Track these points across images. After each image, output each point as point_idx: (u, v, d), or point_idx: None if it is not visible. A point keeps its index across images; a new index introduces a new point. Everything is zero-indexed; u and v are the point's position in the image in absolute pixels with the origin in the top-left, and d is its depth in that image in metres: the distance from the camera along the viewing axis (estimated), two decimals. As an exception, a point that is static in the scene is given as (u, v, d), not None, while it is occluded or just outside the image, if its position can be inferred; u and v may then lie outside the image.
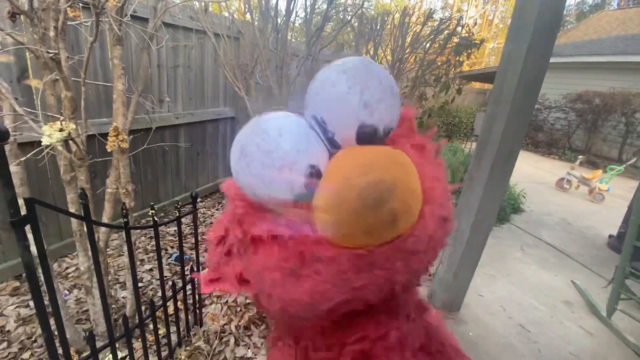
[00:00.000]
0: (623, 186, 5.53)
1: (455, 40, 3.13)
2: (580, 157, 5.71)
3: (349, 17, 2.91)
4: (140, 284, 2.04)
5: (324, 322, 0.36)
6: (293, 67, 2.33)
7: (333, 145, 0.35)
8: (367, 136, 0.34)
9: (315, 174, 0.32)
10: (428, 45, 2.89)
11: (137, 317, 1.38)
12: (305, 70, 2.23)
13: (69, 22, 1.08)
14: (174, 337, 1.62)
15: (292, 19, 2.25)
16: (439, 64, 3.23)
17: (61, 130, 1.01)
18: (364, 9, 2.98)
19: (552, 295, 2.47)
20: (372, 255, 0.29)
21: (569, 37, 10.40)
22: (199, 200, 2.65)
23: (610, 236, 3.49)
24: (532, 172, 6.44)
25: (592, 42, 9.36)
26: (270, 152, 0.31)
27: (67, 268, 2.16)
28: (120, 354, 1.43)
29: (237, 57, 3.14)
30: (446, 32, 2.91)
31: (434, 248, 0.35)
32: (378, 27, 2.88)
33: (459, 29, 3.03)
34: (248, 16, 2.24)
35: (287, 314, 0.33)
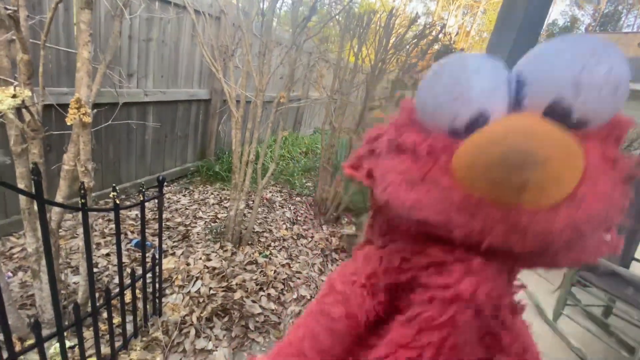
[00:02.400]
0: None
1: (436, 47, 3.20)
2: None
3: (336, 11, 2.87)
4: (95, 270, 1.91)
5: (413, 229, 0.39)
6: (276, 55, 2.26)
7: (517, 107, 0.34)
8: (555, 114, 0.31)
9: (479, 121, 0.33)
10: (411, 48, 2.93)
11: (90, 304, 1.28)
12: (289, 60, 2.17)
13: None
14: (129, 327, 1.53)
15: (278, 5, 2.18)
16: (419, 68, 3.28)
17: (14, 96, 0.91)
18: (350, 4, 2.95)
19: (505, 298, 2.61)
20: (480, 204, 0.30)
21: (537, 56, 11.00)
22: (164, 184, 2.53)
23: (559, 245, 3.75)
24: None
25: (557, 63, 9.97)
26: (457, 81, 0.33)
27: (12, 248, 1.97)
28: (68, 343, 1.33)
29: (216, 37, 3.00)
30: (430, 37, 2.96)
31: (570, 246, 0.31)
32: (364, 24, 2.86)
33: (441, 35, 3.10)
34: (232, -4, 2.13)
35: (389, 209, 0.38)
